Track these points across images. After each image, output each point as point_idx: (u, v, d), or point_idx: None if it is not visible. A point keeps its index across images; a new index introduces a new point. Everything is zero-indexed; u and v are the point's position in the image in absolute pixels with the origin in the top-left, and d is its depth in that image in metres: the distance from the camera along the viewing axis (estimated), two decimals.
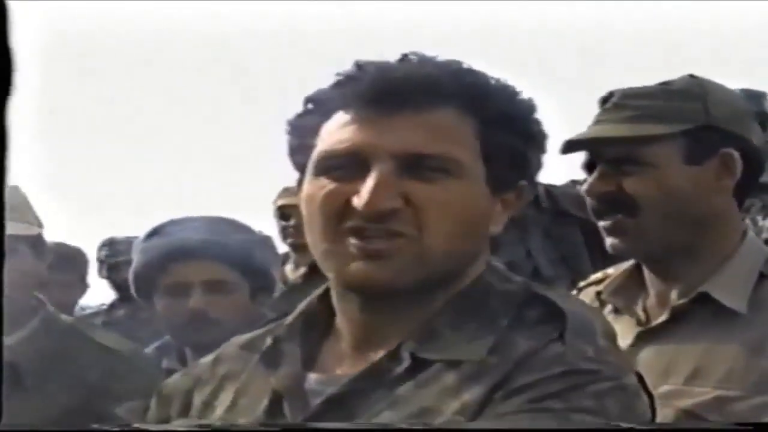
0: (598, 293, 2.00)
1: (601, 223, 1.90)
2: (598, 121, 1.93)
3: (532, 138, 1.38)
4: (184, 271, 2.57)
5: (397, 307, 1.34)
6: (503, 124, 1.34)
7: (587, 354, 1.27)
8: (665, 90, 1.91)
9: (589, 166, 1.93)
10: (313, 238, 1.34)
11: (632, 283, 1.96)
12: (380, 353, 1.34)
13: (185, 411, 1.47)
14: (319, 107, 1.37)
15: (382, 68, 1.33)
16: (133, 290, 2.70)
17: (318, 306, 1.44)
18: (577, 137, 1.92)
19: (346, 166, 1.31)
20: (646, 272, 1.94)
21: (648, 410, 1.32)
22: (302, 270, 4.27)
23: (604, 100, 1.94)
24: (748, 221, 3.63)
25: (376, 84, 1.31)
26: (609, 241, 1.90)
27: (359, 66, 1.34)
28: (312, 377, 1.37)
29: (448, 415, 1.25)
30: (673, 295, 1.89)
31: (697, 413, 1.75)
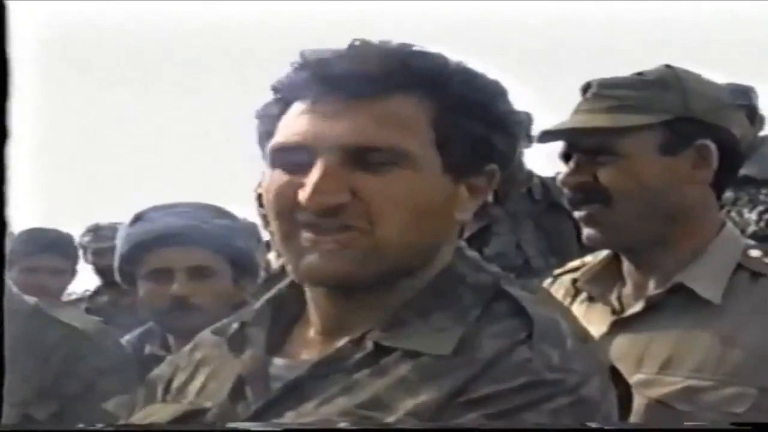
0: (574, 281, 2.01)
1: (577, 214, 1.91)
2: (576, 112, 1.93)
3: (496, 121, 1.35)
4: (167, 257, 2.57)
5: (361, 297, 1.34)
6: (461, 108, 1.32)
7: (552, 361, 1.26)
8: (642, 80, 1.91)
9: (566, 157, 1.93)
10: (273, 230, 1.35)
11: (609, 272, 1.97)
12: (346, 340, 1.34)
13: (164, 398, 1.48)
14: (281, 97, 1.36)
15: (328, 57, 1.31)
16: (117, 276, 2.71)
17: (288, 292, 1.44)
18: (553, 128, 1.93)
19: (296, 158, 1.30)
20: (624, 262, 1.94)
21: (614, 411, 1.33)
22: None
23: (584, 91, 1.95)
24: (734, 214, 3.66)
25: (323, 74, 1.30)
26: (585, 231, 1.91)
27: (305, 56, 1.33)
28: (278, 362, 1.38)
29: (401, 413, 1.24)
30: (650, 284, 1.89)
31: (668, 403, 1.75)
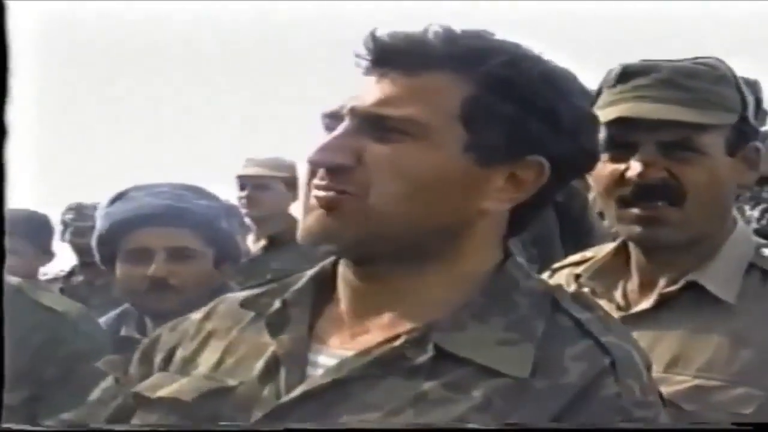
0: (577, 276, 1.99)
1: (635, 211, 1.84)
2: (636, 98, 1.84)
3: (539, 108, 1.33)
4: (146, 237, 2.56)
5: (385, 275, 1.35)
6: (497, 89, 1.32)
7: (636, 396, 1.29)
8: (713, 74, 1.86)
9: (618, 146, 1.84)
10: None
11: (615, 267, 1.95)
12: (377, 323, 1.34)
13: (166, 366, 1.46)
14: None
15: (378, 34, 1.34)
16: (96, 256, 2.68)
17: (331, 271, 1.44)
18: (634, 114, 1.82)
19: (332, 125, 1.38)
20: (635, 257, 1.92)
21: None
22: (262, 242, 4.28)
23: (632, 73, 1.86)
24: (735, 211, 3.67)
25: (367, 48, 1.34)
26: (637, 229, 1.84)
27: (371, 33, 1.36)
28: (315, 347, 1.37)
29: None
30: (662, 281, 1.88)
31: (675, 402, 1.74)
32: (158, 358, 1.47)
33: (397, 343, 1.31)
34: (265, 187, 4.44)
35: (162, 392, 1.40)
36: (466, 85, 1.32)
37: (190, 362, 1.44)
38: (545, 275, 2.10)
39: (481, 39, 1.34)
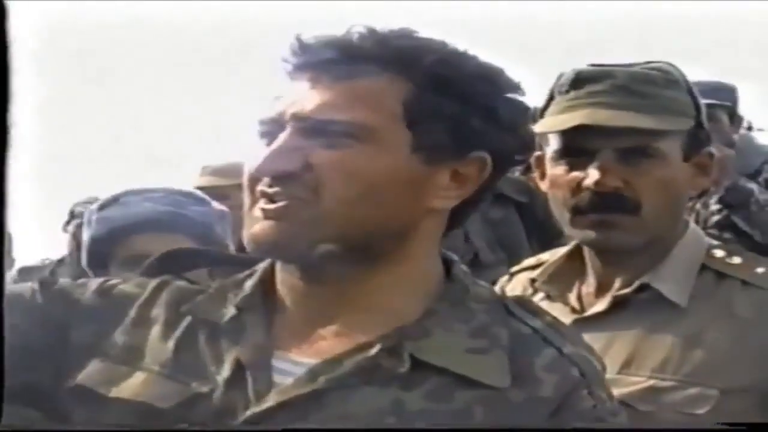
0: (533, 280, 2.02)
1: (593, 216, 1.86)
2: (595, 103, 1.85)
3: (478, 104, 1.35)
4: (145, 242, 2.52)
5: (334, 279, 1.35)
6: (435, 87, 1.33)
7: (608, 405, 1.35)
8: (666, 80, 1.88)
9: (574, 152, 1.87)
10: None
11: (569, 270, 1.98)
12: (333, 330, 1.35)
13: (100, 345, 1.42)
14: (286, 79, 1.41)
15: (305, 38, 1.36)
16: (84, 261, 2.66)
17: (270, 274, 1.43)
18: (592, 121, 1.83)
19: (270, 132, 1.35)
20: (590, 260, 1.95)
21: None
22: None
23: (586, 79, 1.88)
24: (699, 206, 3.71)
25: (297, 54, 1.36)
26: (592, 234, 1.87)
27: (298, 38, 1.37)
28: (277, 354, 1.37)
29: None
30: (616, 283, 1.91)
31: (629, 403, 1.76)
32: (84, 324, 1.42)
33: (372, 351, 1.32)
34: (226, 197, 4.45)
35: (122, 392, 1.37)
36: (405, 86, 1.34)
37: (133, 351, 1.41)
38: (503, 279, 2.15)
39: (409, 38, 1.36)
